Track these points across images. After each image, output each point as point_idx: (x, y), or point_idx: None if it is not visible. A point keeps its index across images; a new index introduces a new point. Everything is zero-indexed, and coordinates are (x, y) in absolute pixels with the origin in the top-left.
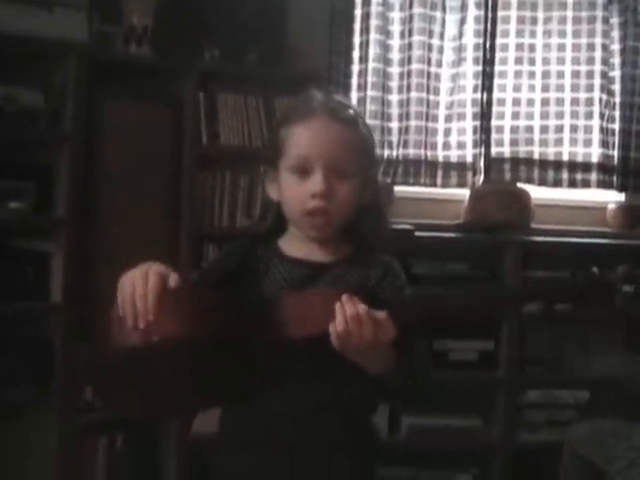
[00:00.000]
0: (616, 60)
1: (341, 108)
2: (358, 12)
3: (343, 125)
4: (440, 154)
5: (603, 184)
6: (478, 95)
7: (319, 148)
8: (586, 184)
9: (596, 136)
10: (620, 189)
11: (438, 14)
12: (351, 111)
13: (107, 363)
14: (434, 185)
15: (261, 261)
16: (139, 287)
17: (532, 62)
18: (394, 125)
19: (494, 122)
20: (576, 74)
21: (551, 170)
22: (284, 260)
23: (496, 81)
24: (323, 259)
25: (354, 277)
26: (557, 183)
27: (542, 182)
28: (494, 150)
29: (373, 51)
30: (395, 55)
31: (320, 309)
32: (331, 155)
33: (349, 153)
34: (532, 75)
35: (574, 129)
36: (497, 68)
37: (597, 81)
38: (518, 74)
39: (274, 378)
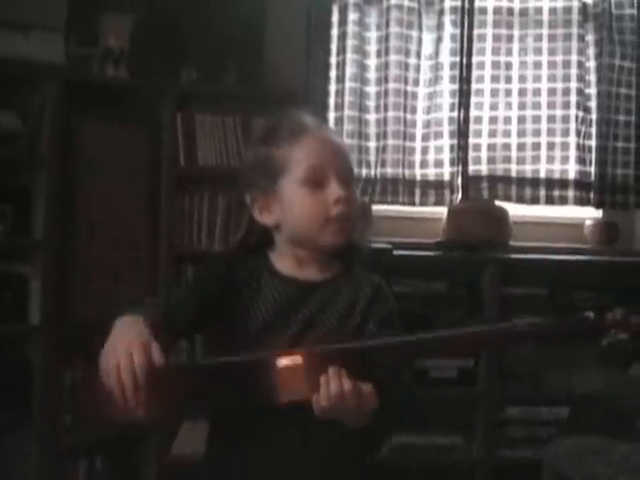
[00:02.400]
0: (592, 77)
1: (323, 123)
2: (335, 32)
3: (337, 137)
4: (418, 172)
5: (580, 201)
6: (455, 113)
7: (330, 157)
8: (563, 201)
9: (573, 153)
10: (597, 205)
11: (414, 33)
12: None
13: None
14: (412, 204)
15: (252, 276)
16: (124, 363)
17: (508, 80)
18: (372, 144)
19: (471, 140)
20: (552, 91)
21: (528, 187)
22: (275, 277)
23: (473, 99)
24: (313, 277)
25: (344, 298)
26: (534, 200)
27: (519, 199)
28: (471, 168)
29: (350, 70)
30: (372, 74)
31: (306, 378)
32: (340, 164)
33: (349, 162)
34: (509, 93)
35: (551, 146)
36: (474, 86)
37: (573, 98)
38: (495, 92)
39: (258, 423)
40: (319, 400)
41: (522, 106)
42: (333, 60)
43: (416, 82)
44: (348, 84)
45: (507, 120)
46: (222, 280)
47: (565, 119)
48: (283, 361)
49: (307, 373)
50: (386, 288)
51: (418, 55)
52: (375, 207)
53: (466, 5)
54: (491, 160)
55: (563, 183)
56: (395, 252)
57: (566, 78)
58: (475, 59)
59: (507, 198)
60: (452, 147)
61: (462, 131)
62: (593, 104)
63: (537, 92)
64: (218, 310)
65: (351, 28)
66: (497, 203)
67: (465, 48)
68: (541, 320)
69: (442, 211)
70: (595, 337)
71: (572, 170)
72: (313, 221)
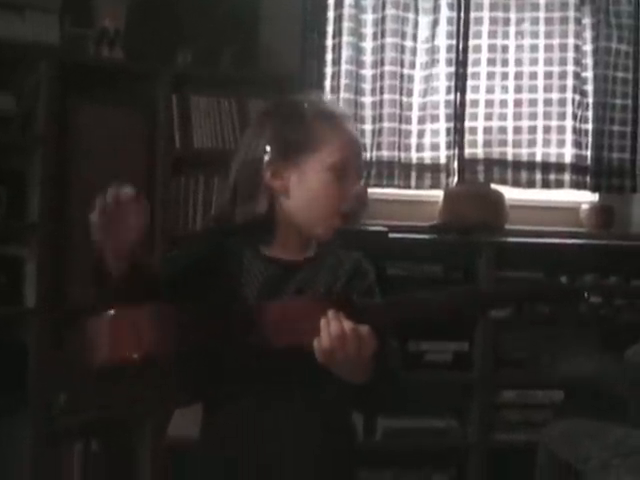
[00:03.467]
0: (589, 61)
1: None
2: (330, 14)
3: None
4: (414, 156)
5: (576, 184)
6: (451, 96)
7: (355, 153)
8: (559, 185)
9: (569, 137)
10: (593, 189)
11: (410, 16)
12: None
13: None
14: (408, 187)
15: (235, 254)
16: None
17: (505, 63)
18: (367, 127)
19: (467, 123)
20: (549, 75)
21: (524, 171)
22: (258, 256)
23: (469, 82)
24: (295, 257)
25: (324, 276)
26: (530, 184)
27: (515, 183)
28: (467, 151)
29: (346, 53)
30: (368, 57)
31: (305, 321)
32: (360, 160)
33: (363, 156)
34: (505, 76)
35: (547, 130)
36: (470, 69)
37: (570, 82)
38: (491, 75)
39: (254, 381)
40: (320, 342)
41: (518, 89)
42: (329, 43)
43: (412, 65)
44: (344, 67)
45: (503, 103)
46: (210, 249)
47: (562, 102)
48: (286, 305)
49: (307, 317)
50: (365, 263)
51: (414, 38)
52: (371, 190)
53: None
54: (487, 143)
55: (559, 167)
56: (391, 235)
57: (563, 61)
58: (471, 42)
59: (503, 181)
60: (448, 130)
61: (458, 114)
62: (590, 88)
63: (533, 75)
64: (205, 277)
65: (347, 10)
66: (493, 186)
67: (461, 31)
68: (516, 284)
69: (438, 194)
70: (570, 301)
71: (568, 154)
72: (322, 209)
